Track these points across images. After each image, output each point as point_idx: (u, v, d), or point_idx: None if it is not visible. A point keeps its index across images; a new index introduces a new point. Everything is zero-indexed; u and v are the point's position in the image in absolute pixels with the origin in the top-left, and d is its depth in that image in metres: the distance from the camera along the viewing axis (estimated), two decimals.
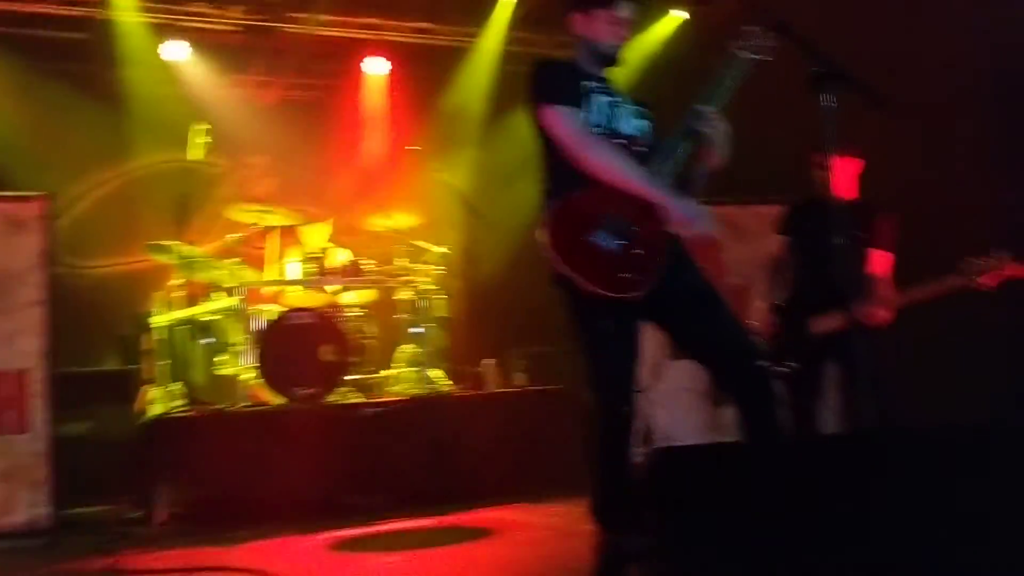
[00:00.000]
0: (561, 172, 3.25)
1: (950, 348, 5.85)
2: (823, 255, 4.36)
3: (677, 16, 7.82)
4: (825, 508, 1.86)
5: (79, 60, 8.11)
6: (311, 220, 7.08)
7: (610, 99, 3.32)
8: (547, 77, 3.31)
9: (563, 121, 3.19)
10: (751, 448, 2.35)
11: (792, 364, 4.50)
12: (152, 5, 7.57)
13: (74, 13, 7.55)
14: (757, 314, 4.78)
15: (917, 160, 5.90)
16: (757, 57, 3.15)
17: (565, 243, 3.10)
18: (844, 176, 4.37)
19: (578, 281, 3.07)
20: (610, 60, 3.36)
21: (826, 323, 4.39)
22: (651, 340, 6.05)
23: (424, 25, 8.28)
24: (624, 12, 3.29)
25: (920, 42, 6.02)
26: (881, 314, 4.21)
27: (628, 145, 3.26)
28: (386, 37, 8.28)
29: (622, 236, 3.10)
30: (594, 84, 3.30)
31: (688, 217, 3.11)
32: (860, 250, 4.38)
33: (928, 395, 5.34)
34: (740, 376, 3.16)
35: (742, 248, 6.88)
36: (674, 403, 6.48)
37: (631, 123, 3.33)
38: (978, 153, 6.02)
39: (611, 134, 3.26)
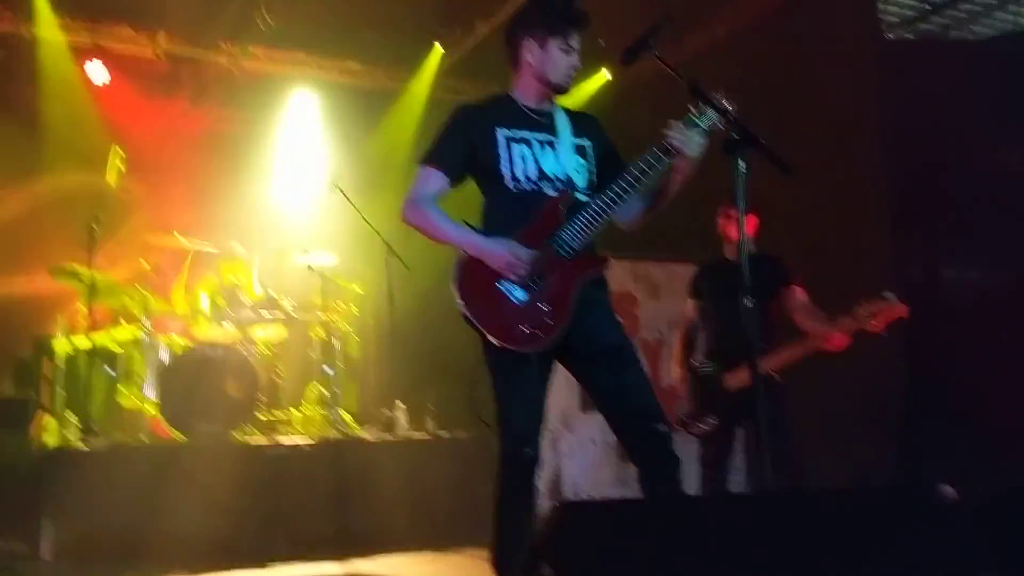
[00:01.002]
0: (492, 216, 3.27)
1: (853, 406, 6.05)
2: (733, 314, 4.51)
3: (601, 75, 7.99)
4: (724, 571, 1.86)
5: None
6: (227, 252, 6.96)
7: (538, 141, 3.26)
8: (439, 135, 3.33)
9: (417, 181, 3.31)
10: (656, 507, 2.35)
11: (709, 423, 4.58)
12: (74, 24, 7.41)
13: None
14: (672, 375, 4.86)
15: (810, 212, 6.14)
16: (715, 125, 3.09)
17: (472, 285, 3.13)
18: (746, 232, 4.54)
19: (479, 326, 3.10)
20: (560, 89, 3.33)
21: (739, 379, 4.48)
22: (563, 391, 6.13)
23: (353, 65, 8.30)
24: (575, 41, 3.27)
25: (813, 102, 6.33)
26: (837, 339, 4.29)
27: (561, 191, 3.22)
28: (315, 74, 8.26)
29: (529, 289, 3.12)
30: (513, 132, 3.25)
31: (506, 261, 3.09)
32: (766, 300, 4.51)
33: (835, 452, 5.50)
34: (641, 438, 3.16)
35: (656, 304, 7.03)
36: (583, 455, 6.51)
37: (562, 164, 3.26)
38: (867, 205, 6.33)
39: (537, 182, 3.23)
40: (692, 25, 7.36)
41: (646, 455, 3.17)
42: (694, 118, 3.10)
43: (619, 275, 6.79)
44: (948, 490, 2.13)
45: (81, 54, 7.62)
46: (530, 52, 3.29)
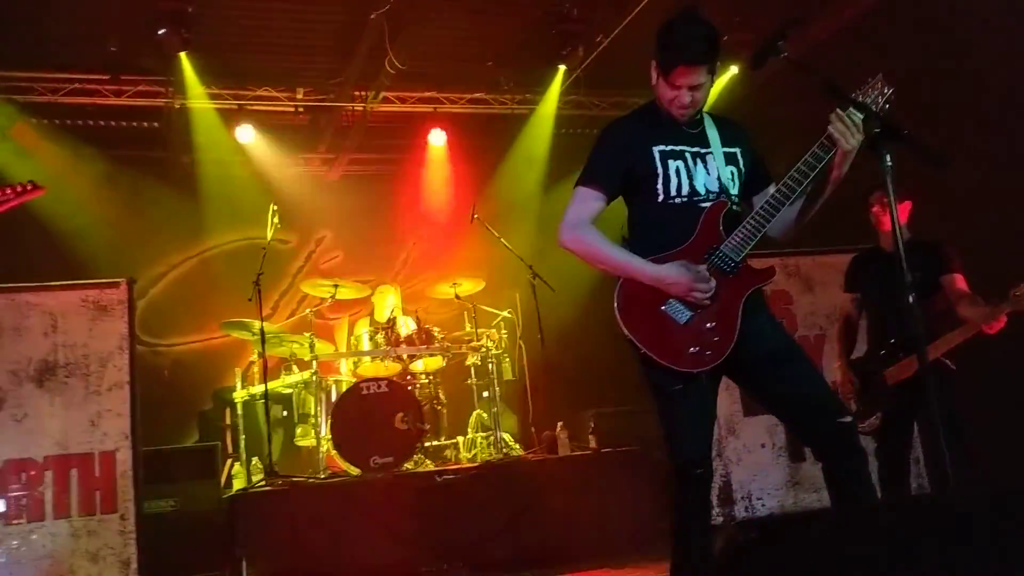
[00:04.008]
0: (644, 231, 3.23)
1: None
2: (893, 306, 4.38)
3: (729, 71, 7.89)
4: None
5: (153, 147, 8.50)
6: (379, 290, 7.23)
7: (691, 154, 3.19)
8: (595, 152, 3.28)
9: (575, 203, 3.23)
10: (837, 517, 2.31)
11: (877, 418, 4.46)
12: (220, 92, 7.91)
13: (149, 103, 7.93)
14: (834, 371, 4.74)
15: (966, 189, 5.86)
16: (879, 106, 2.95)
17: (635, 311, 3.09)
18: (899, 218, 4.44)
19: (645, 351, 3.08)
20: (674, 119, 3.19)
21: (900, 371, 4.35)
22: (724, 397, 6.07)
23: (481, 95, 8.49)
24: (680, 79, 3.09)
25: (957, 77, 6.04)
26: (995, 325, 4.13)
27: (717, 202, 3.16)
28: (445, 109, 8.50)
29: (694, 307, 3.06)
30: (668, 147, 3.19)
31: (687, 286, 3.03)
32: (928, 291, 4.36)
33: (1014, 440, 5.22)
34: (825, 434, 3.06)
35: (811, 298, 6.85)
36: (752, 460, 6.40)
37: (715, 176, 3.18)
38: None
39: (690, 197, 3.17)
40: (818, 11, 7.18)
41: (831, 451, 3.07)
42: (852, 114, 2.94)
43: None
44: None
45: (229, 118, 8.11)
46: (652, 76, 3.21)
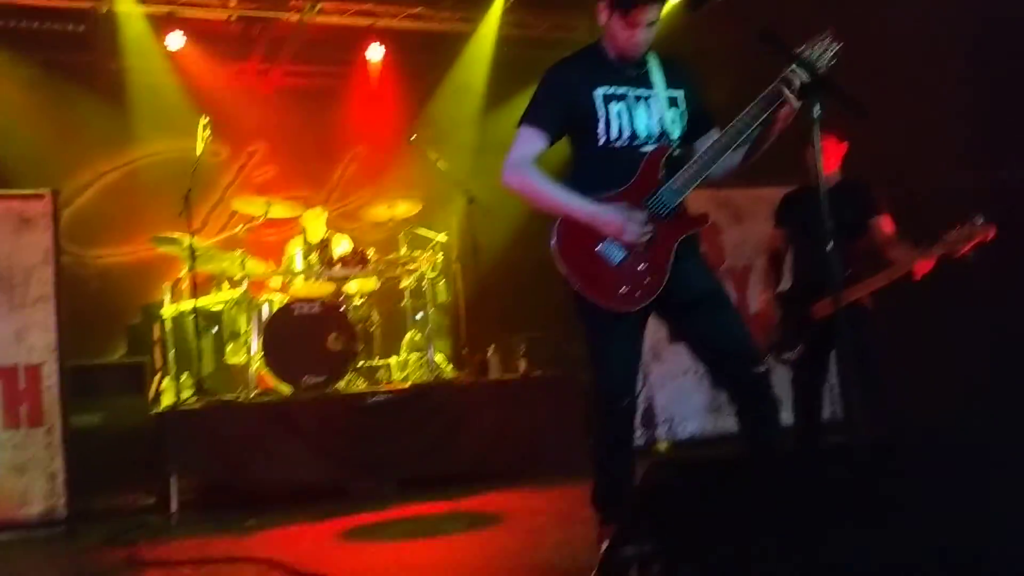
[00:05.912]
0: (585, 173, 3.26)
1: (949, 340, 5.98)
2: (820, 244, 4.50)
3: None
4: (824, 520, 1.92)
5: (79, 52, 8.16)
6: (308, 212, 7.13)
7: (634, 96, 3.21)
8: (538, 93, 3.29)
9: (518, 143, 3.24)
10: (749, 461, 2.43)
11: (796, 352, 4.62)
12: None
13: (73, 5, 7.59)
14: (760, 303, 4.89)
15: (901, 137, 5.99)
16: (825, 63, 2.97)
17: (571, 248, 3.15)
18: (832, 160, 4.56)
19: (578, 288, 3.15)
20: (623, 59, 3.21)
21: (824, 307, 4.50)
22: (651, 323, 6.21)
23: (420, 11, 8.31)
24: (640, 16, 3.10)
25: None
26: (921, 266, 4.24)
27: (659, 147, 3.20)
28: (383, 24, 8.31)
29: (628, 249, 3.13)
30: (610, 89, 3.21)
31: (620, 227, 3.08)
32: (854, 231, 4.49)
33: (928, 383, 5.47)
34: (740, 381, 3.21)
35: (740, 230, 6.99)
36: (675, 385, 6.59)
37: (656, 119, 3.21)
38: (959, 129, 6.14)
39: (631, 141, 3.20)
40: None
41: (745, 398, 3.22)
42: (799, 71, 2.96)
43: (701, 203, 6.74)
44: None
45: (158, 24, 7.82)
46: (601, 16, 3.22)
